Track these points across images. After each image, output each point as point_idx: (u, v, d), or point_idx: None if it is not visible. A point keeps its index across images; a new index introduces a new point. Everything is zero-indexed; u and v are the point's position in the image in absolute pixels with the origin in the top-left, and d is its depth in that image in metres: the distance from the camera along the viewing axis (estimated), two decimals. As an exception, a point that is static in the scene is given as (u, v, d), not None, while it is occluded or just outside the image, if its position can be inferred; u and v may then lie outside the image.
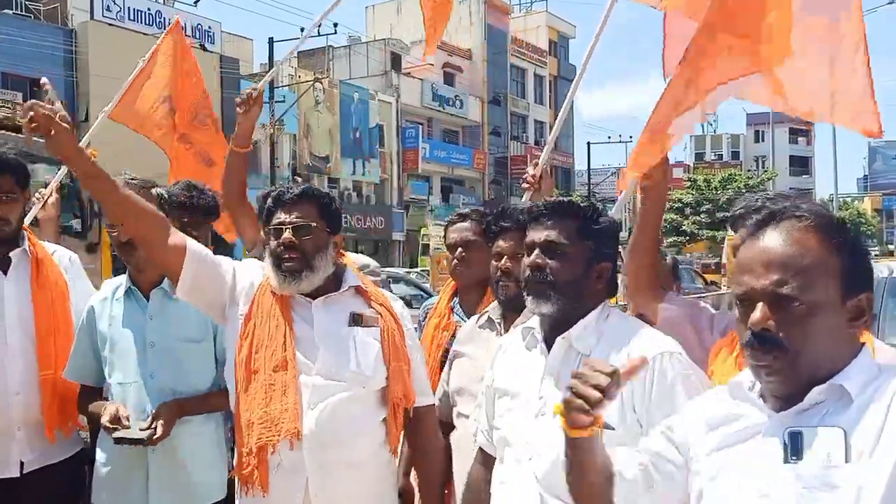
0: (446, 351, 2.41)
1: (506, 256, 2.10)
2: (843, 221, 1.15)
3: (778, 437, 1.10)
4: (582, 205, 1.65)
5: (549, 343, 1.65)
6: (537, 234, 1.63)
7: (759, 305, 1.10)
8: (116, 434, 2.03)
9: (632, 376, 1.17)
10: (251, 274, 2.00)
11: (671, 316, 1.94)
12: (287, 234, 1.89)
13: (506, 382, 1.71)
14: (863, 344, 1.15)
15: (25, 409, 2.20)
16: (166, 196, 2.59)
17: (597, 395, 1.14)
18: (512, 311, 2.11)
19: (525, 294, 1.65)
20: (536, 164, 2.50)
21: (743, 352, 1.15)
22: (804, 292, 1.08)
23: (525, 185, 2.47)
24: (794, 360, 1.09)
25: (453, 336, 2.48)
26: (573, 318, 1.61)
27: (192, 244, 1.93)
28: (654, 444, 1.29)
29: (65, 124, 1.72)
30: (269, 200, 1.96)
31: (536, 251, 1.63)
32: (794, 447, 1.07)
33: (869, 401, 1.07)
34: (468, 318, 2.55)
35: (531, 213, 1.68)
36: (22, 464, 2.24)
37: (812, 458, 1.05)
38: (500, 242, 2.13)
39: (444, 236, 2.62)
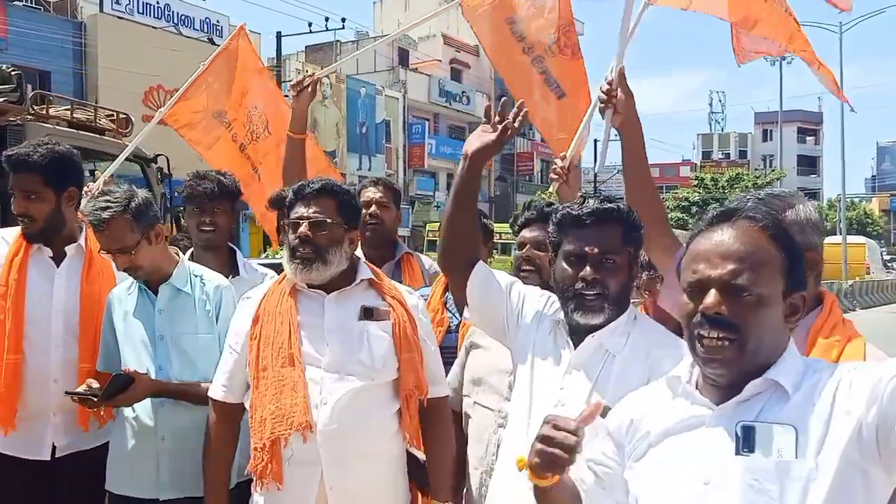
0: (444, 348, 2.43)
1: (528, 245, 2.18)
2: (786, 226, 1.25)
3: (723, 428, 1.18)
4: (626, 210, 1.64)
5: (573, 338, 1.67)
6: (587, 245, 1.60)
7: (712, 291, 1.18)
8: (69, 391, 2.17)
9: (590, 421, 1.24)
10: (243, 315, 2.04)
11: (676, 281, 1.94)
12: (303, 229, 1.93)
13: (524, 374, 1.73)
14: (790, 340, 1.23)
15: (63, 396, 2.26)
16: (192, 192, 2.66)
17: (565, 457, 1.21)
18: None
19: (571, 307, 1.63)
20: (564, 157, 2.48)
21: (692, 339, 1.21)
22: (755, 284, 1.17)
23: (553, 177, 2.46)
24: (742, 345, 1.17)
25: (447, 331, 2.51)
26: (608, 321, 1.64)
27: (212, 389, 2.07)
28: (597, 447, 1.36)
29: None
30: (290, 194, 2.00)
31: (588, 267, 1.60)
32: (747, 440, 1.14)
33: (810, 398, 1.15)
34: (460, 313, 2.57)
35: (574, 218, 1.63)
36: (54, 448, 2.33)
37: (764, 451, 1.13)
38: (525, 233, 2.21)
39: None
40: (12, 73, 5.99)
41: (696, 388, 1.25)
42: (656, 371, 1.55)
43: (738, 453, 1.14)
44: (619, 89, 2.05)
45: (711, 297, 1.17)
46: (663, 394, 1.30)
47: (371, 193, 2.98)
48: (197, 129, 3.66)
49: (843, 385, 1.14)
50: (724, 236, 1.21)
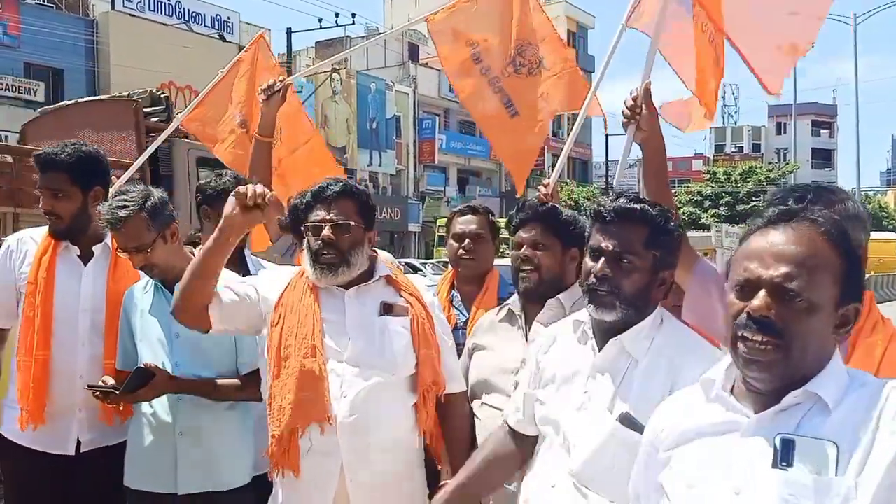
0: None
1: (525, 245, 2.13)
2: (847, 231, 1.18)
3: (760, 438, 1.13)
4: (653, 212, 1.58)
5: (598, 339, 1.64)
6: (605, 241, 1.58)
7: (762, 293, 1.12)
8: (91, 384, 2.20)
9: None
10: (272, 283, 2.03)
11: (697, 294, 1.95)
12: (327, 232, 1.94)
13: (553, 371, 1.71)
14: (834, 348, 1.18)
15: (88, 391, 2.28)
16: (217, 191, 2.66)
17: None
18: (532, 301, 2.13)
19: (586, 300, 1.62)
20: (548, 184, 2.33)
21: (734, 339, 1.15)
22: (808, 289, 1.11)
23: (624, 121, 2.17)
24: (786, 351, 1.11)
25: (455, 328, 2.51)
26: (630, 323, 1.61)
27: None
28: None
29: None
30: (308, 196, 2.00)
31: (602, 260, 1.58)
32: (786, 454, 1.10)
33: (853, 415, 1.10)
34: (466, 310, 2.58)
35: (598, 215, 1.61)
36: (79, 443, 2.38)
37: (804, 466, 1.08)
38: (521, 233, 2.16)
39: (449, 225, 2.64)
40: (162, 95, 6.60)
41: (732, 393, 1.20)
42: (680, 378, 1.52)
43: (775, 466, 1.10)
44: (643, 106, 2.04)
45: (760, 298, 1.11)
46: (696, 396, 1.26)
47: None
48: (215, 134, 3.66)
49: (889, 404, 1.09)
50: (781, 237, 1.14)
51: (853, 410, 1.10)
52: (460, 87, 3.30)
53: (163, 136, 3.97)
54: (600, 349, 1.63)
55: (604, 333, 1.63)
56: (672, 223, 1.61)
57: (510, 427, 1.81)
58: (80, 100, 6.92)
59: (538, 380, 1.74)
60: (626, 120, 2.11)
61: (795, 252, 1.13)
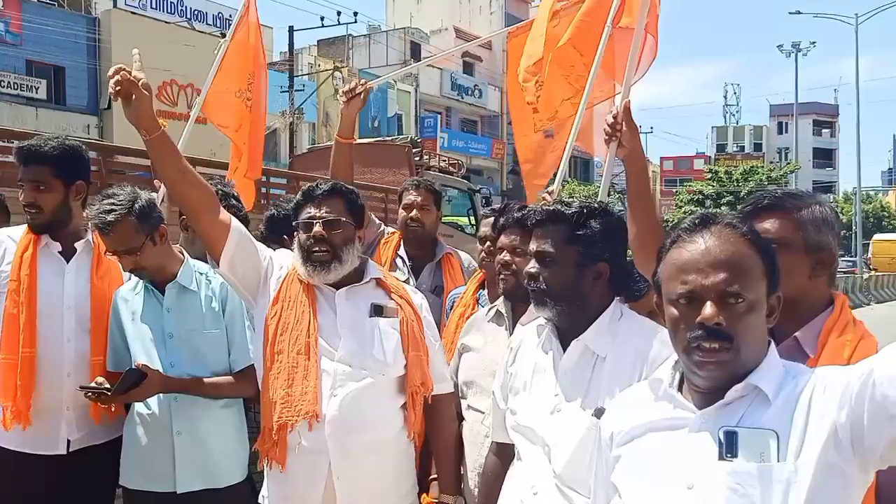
0: None
1: (505, 251, 2.21)
2: (760, 231, 1.28)
3: (706, 433, 1.19)
4: (567, 212, 1.68)
5: (563, 341, 1.69)
6: (532, 244, 1.72)
7: (709, 303, 1.18)
8: (83, 385, 2.19)
9: None
10: (282, 262, 2.09)
11: None
12: (318, 228, 1.98)
13: (523, 378, 1.75)
14: (770, 342, 1.25)
15: (75, 390, 2.27)
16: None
17: None
18: (517, 301, 2.17)
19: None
20: (552, 192, 2.38)
21: (688, 350, 1.20)
22: (746, 290, 1.19)
23: (605, 138, 2.22)
24: (737, 351, 1.19)
25: None
26: (581, 318, 1.66)
27: (236, 223, 2.01)
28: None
29: (145, 92, 1.83)
30: (299, 195, 2.05)
31: (532, 260, 1.71)
32: (730, 445, 1.16)
33: (789, 403, 1.17)
34: None
35: (531, 222, 1.75)
36: (69, 442, 2.35)
37: (747, 456, 1.15)
38: (502, 238, 2.25)
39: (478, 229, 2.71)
40: (418, 140, 8.42)
41: (680, 390, 1.27)
42: (647, 363, 1.59)
43: (721, 458, 1.16)
44: (623, 123, 2.10)
45: (709, 308, 1.18)
46: (647, 394, 1.32)
47: (412, 197, 3.13)
48: (223, 111, 3.55)
49: (817, 389, 1.16)
50: (708, 244, 1.22)
51: (789, 399, 1.17)
52: (512, 95, 3.44)
53: (188, 127, 3.80)
54: (564, 351, 1.67)
55: (564, 335, 1.68)
56: (595, 219, 1.67)
57: (498, 444, 1.85)
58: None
59: (508, 389, 1.78)
60: (607, 137, 2.17)
61: (728, 257, 1.20)
